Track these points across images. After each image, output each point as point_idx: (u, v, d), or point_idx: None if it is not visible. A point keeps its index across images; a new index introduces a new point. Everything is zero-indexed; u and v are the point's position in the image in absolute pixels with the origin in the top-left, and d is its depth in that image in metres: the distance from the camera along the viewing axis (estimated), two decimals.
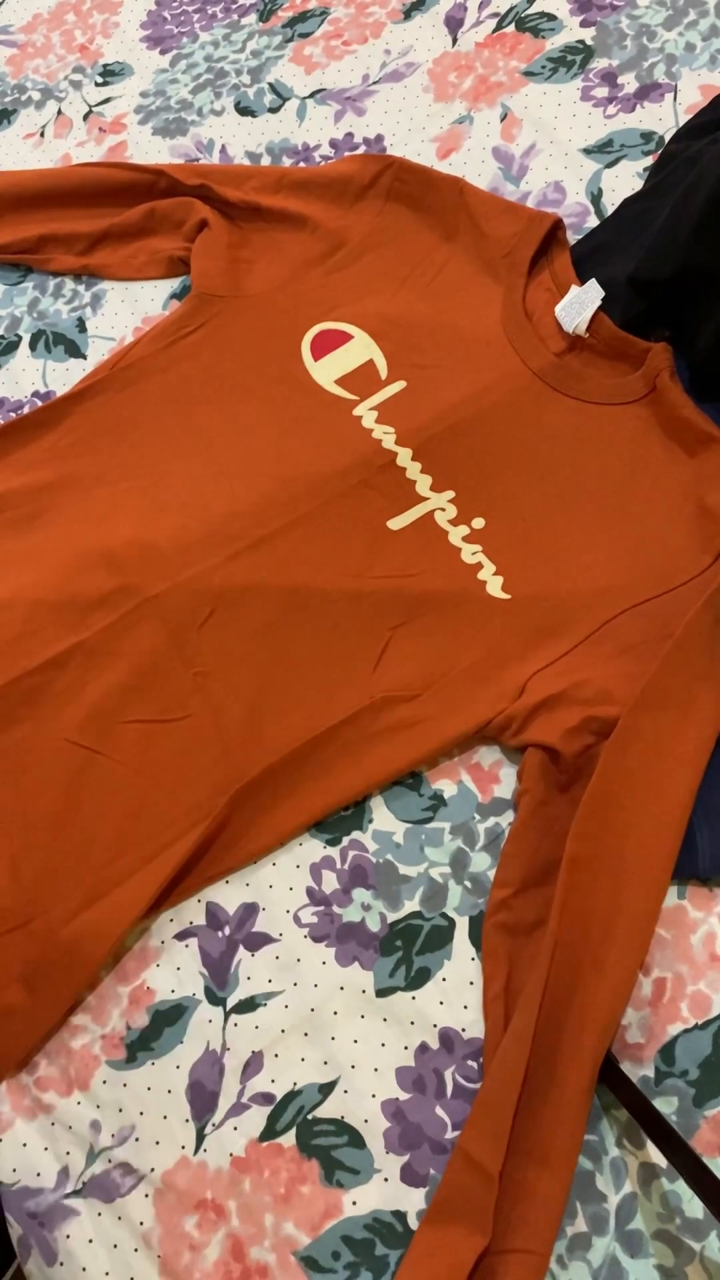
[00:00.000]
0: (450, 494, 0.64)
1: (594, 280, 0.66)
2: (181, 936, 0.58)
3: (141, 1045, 0.56)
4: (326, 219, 0.75)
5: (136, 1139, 0.54)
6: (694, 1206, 0.49)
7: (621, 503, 0.62)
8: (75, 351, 0.78)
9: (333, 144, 0.82)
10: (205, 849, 0.58)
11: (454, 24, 0.85)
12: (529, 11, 0.83)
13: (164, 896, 0.57)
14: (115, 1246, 0.52)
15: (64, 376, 0.77)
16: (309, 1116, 0.53)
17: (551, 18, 0.83)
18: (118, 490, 0.68)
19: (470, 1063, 0.53)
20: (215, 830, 0.57)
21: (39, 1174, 0.54)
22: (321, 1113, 0.53)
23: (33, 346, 0.78)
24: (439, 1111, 0.53)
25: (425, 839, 0.58)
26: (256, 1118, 0.54)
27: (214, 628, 0.62)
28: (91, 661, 0.61)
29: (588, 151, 0.76)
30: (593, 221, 0.73)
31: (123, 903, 0.56)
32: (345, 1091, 0.54)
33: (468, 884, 0.57)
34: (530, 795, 0.56)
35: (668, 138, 0.74)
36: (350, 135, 0.82)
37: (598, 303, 0.65)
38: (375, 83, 0.84)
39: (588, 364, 0.67)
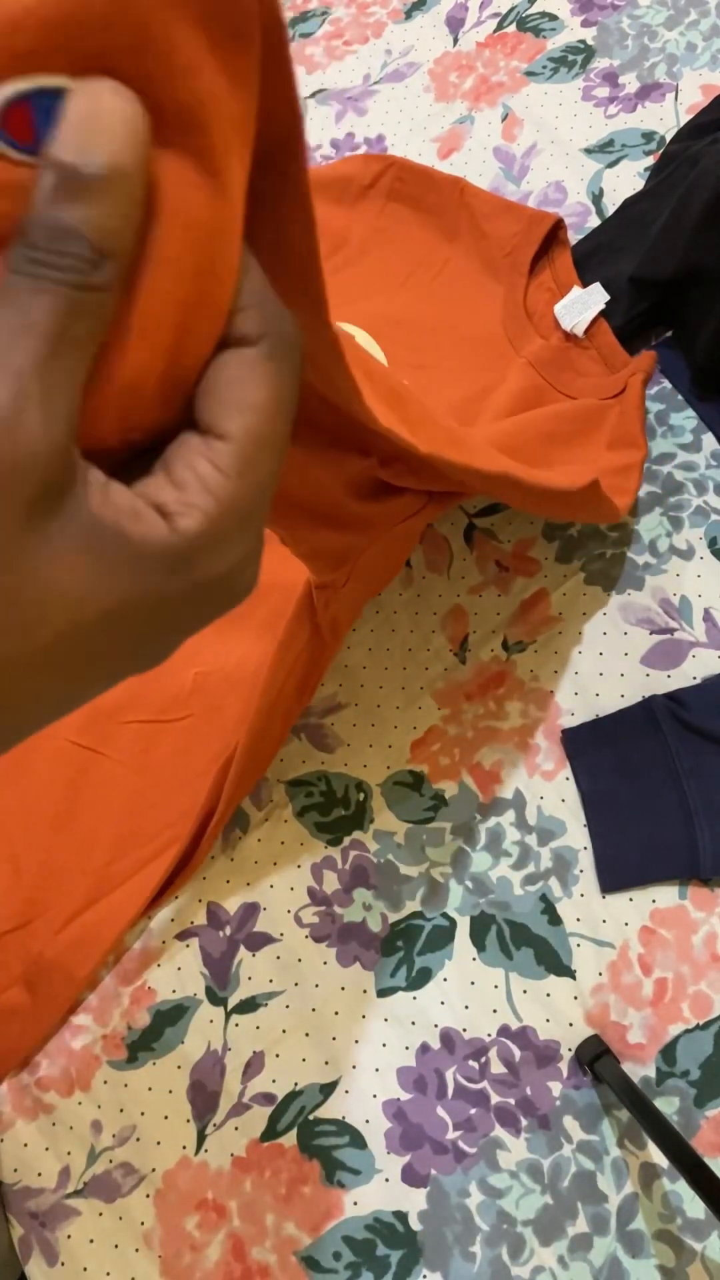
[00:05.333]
0: None
1: (599, 284, 0.66)
2: (182, 936, 0.58)
3: (142, 1045, 0.56)
4: (327, 219, 0.75)
5: (137, 1139, 0.54)
6: (695, 1207, 0.49)
7: None
8: None
9: (334, 144, 0.82)
10: (197, 840, 0.58)
11: (455, 24, 0.85)
12: (530, 11, 0.83)
13: (163, 895, 0.57)
14: (116, 1246, 0.52)
15: None
16: (310, 1117, 0.53)
17: (552, 18, 0.82)
18: None
19: (471, 1063, 0.53)
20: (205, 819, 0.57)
21: (40, 1174, 0.54)
22: (322, 1113, 0.53)
23: None
24: (440, 1112, 0.52)
25: (426, 839, 0.58)
26: (257, 1118, 0.54)
27: (215, 627, 0.61)
28: None
29: (589, 151, 0.76)
30: (594, 221, 0.73)
31: (123, 903, 0.56)
32: (346, 1092, 0.54)
33: (469, 884, 0.57)
34: None
35: (669, 138, 0.74)
36: (351, 135, 0.82)
37: (600, 306, 0.65)
38: (376, 83, 0.84)
39: (583, 366, 0.67)
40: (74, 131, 0.17)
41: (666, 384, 0.66)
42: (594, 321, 0.66)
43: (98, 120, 0.17)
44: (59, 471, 0.18)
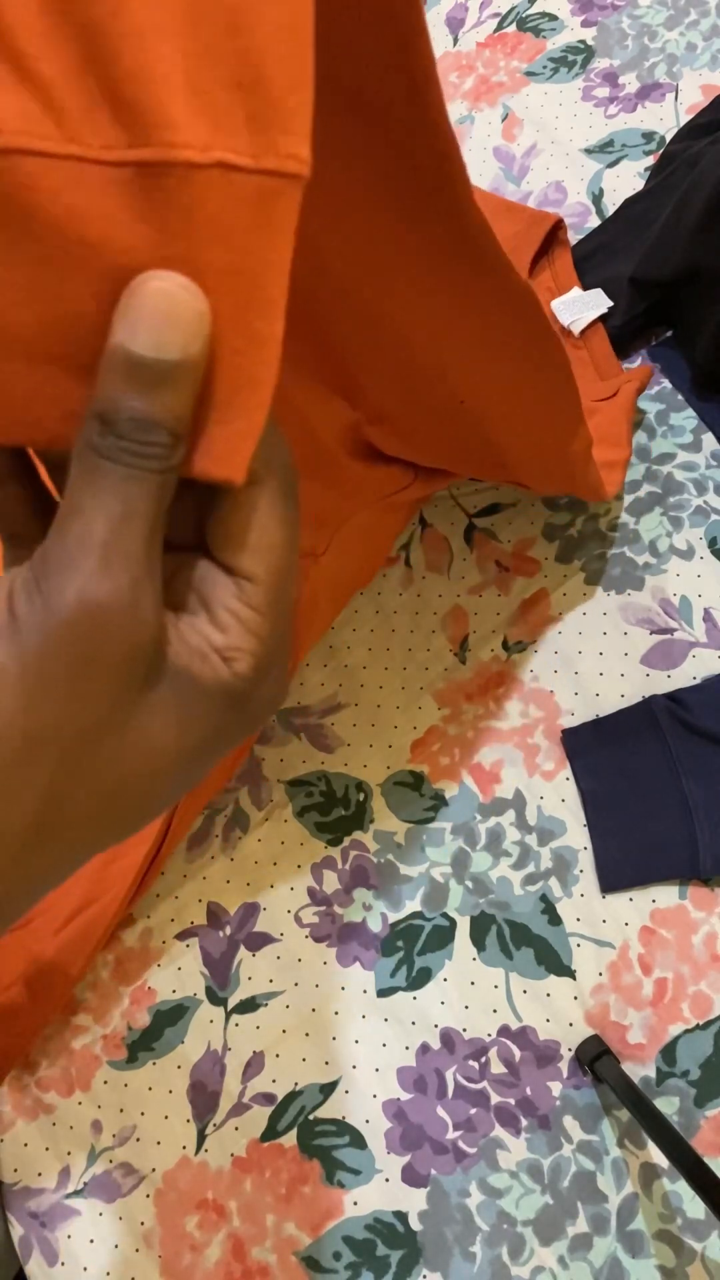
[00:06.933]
0: None
1: (600, 290, 0.66)
2: (182, 936, 0.58)
3: (143, 1045, 0.56)
4: None
5: (137, 1139, 0.54)
6: (695, 1207, 0.49)
7: None
8: None
9: None
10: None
11: (455, 24, 0.85)
12: (530, 11, 0.83)
13: (143, 885, 0.57)
14: (116, 1247, 0.52)
15: None
16: (310, 1117, 0.53)
17: (552, 18, 0.82)
18: None
19: (471, 1063, 0.53)
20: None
21: (40, 1174, 0.54)
22: (322, 1113, 0.53)
23: None
24: (440, 1112, 0.52)
25: (426, 839, 0.58)
26: (258, 1118, 0.54)
27: None
28: None
29: (589, 151, 0.76)
30: (594, 221, 0.73)
31: (112, 900, 0.56)
32: (346, 1092, 0.54)
33: (469, 884, 0.57)
34: None
35: (669, 138, 0.74)
36: None
37: (601, 310, 0.66)
38: None
39: (574, 369, 0.67)
40: (151, 324, 0.18)
41: (666, 384, 0.66)
42: (591, 325, 0.66)
43: (174, 314, 0.18)
44: (162, 637, 0.20)
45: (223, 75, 0.17)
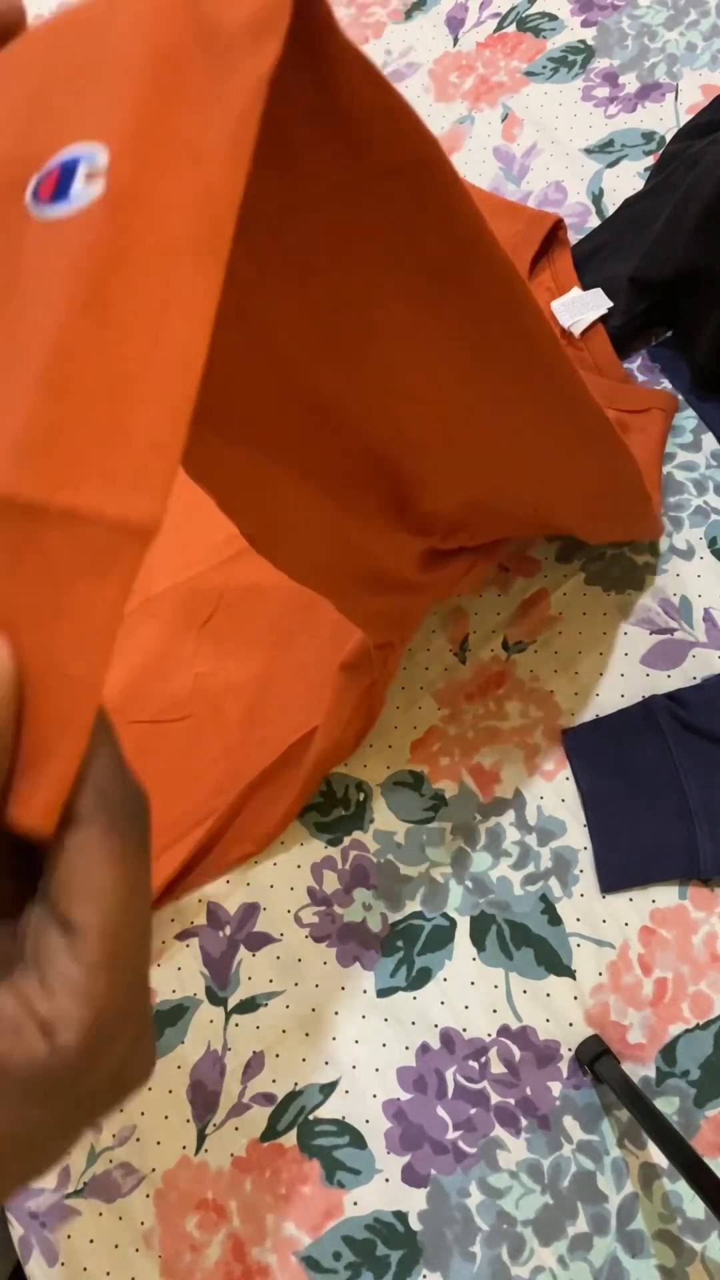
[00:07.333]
0: None
1: (600, 290, 0.66)
2: (182, 936, 0.58)
3: None
4: None
5: (137, 1139, 0.54)
6: (695, 1207, 0.49)
7: None
8: None
9: None
10: (208, 849, 0.58)
11: (455, 24, 0.85)
12: (530, 11, 0.83)
13: (165, 897, 0.57)
14: (116, 1247, 0.52)
15: None
16: (310, 1117, 0.53)
17: (552, 18, 0.82)
18: None
19: (471, 1063, 0.53)
20: (218, 830, 0.57)
21: None
22: (322, 1113, 0.53)
23: None
24: (440, 1112, 0.52)
25: (426, 839, 0.58)
26: (258, 1118, 0.54)
27: (215, 628, 0.62)
28: None
29: (589, 151, 0.76)
30: (594, 221, 0.73)
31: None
32: (346, 1092, 0.54)
33: (469, 884, 0.57)
34: None
35: (669, 138, 0.74)
36: None
37: (601, 311, 0.66)
38: None
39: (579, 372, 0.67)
40: None
41: (667, 384, 0.66)
42: (591, 326, 0.66)
43: None
44: None
45: (91, 433, 0.17)
